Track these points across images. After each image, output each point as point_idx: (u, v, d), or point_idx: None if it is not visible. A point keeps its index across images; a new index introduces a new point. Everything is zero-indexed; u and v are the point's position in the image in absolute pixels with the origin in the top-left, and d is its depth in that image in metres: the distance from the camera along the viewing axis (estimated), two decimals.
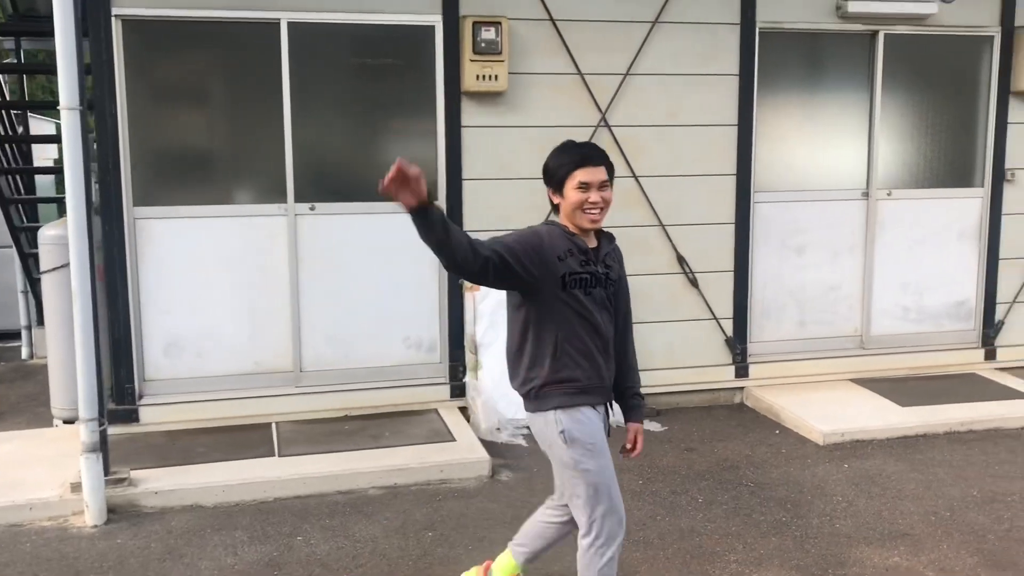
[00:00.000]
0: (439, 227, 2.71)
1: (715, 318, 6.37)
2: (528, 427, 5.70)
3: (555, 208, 3.17)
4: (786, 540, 4.26)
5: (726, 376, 6.43)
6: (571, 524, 3.32)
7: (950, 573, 3.91)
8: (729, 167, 6.26)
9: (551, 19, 5.84)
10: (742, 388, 6.45)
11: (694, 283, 6.30)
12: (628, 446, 3.35)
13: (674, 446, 5.57)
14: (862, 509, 4.60)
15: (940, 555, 4.10)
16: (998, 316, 6.89)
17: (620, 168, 6.05)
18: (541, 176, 3.12)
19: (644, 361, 6.13)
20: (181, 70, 5.61)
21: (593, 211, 3.07)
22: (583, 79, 5.95)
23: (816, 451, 5.46)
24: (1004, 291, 6.88)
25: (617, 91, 6.01)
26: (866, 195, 6.55)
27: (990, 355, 6.90)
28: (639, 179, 6.12)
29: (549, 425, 3.10)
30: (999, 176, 6.72)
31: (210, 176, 5.72)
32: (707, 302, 6.34)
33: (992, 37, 6.56)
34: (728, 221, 6.32)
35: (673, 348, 6.32)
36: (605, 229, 3.24)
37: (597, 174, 3.07)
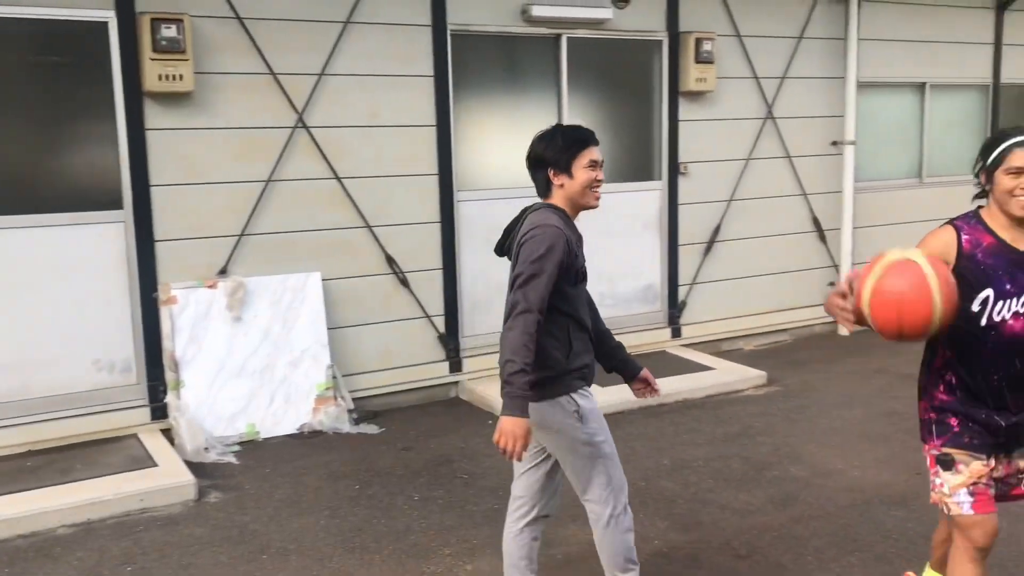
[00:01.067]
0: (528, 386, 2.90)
1: (427, 316, 6.45)
2: (239, 444, 5.53)
3: (547, 191, 3.15)
4: (499, 528, 4.34)
5: (441, 372, 6.53)
6: (537, 520, 3.37)
7: (645, 540, 4.20)
8: (431, 167, 6.36)
9: (238, 17, 5.62)
10: (457, 383, 6.58)
11: (405, 283, 6.33)
12: (655, 387, 3.57)
13: (391, 447, 5.56)
14: (568, 488, 4.82)
15: (637, 524, 4.36)
16: (680, 297, 7.54)
17: (322, 169, 5.99)
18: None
19: (359, 364, 6.18)
20: None
21: (598, 189, 3.14)
22: (276, 79, 5.78)
23: None
24: (684, 274, 7.54)
25: (313, 92, 5.90)
26: None
27: (676, 333, 7.54)
28: (342, 180, 6.04)
29: (560, 408, 3.10)
30: (674, 169, 7.35)
31: None
32: (419, 301, 6.40)
33: (661, 41, 7.15)
34: (434, 220, 6.42)
35: (388, 349, 6.31)
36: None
37: (599, 152, 3.13)
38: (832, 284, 8.24)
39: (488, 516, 4.51)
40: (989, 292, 2.81)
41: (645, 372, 3.55)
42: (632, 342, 7.27)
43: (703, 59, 7.10)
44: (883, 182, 8.57)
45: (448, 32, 6.27)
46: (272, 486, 4.93)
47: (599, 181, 3.13)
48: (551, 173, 3.11)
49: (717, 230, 7.63)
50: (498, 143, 6.75)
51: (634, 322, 7.37)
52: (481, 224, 6.63)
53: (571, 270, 3.07)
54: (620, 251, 7.25)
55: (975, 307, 2.81)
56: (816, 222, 8.15)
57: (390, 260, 6.25)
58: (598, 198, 3.17)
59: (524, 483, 3.40)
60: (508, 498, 4.66)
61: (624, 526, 3.25)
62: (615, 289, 7.28)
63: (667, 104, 7.25)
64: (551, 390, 3.09)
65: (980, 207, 2.96)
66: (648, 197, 7.35)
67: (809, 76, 7.90)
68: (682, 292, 7.57)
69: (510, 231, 3.27)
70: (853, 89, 7.94)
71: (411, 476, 5.08)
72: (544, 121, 6.78)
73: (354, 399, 6.08)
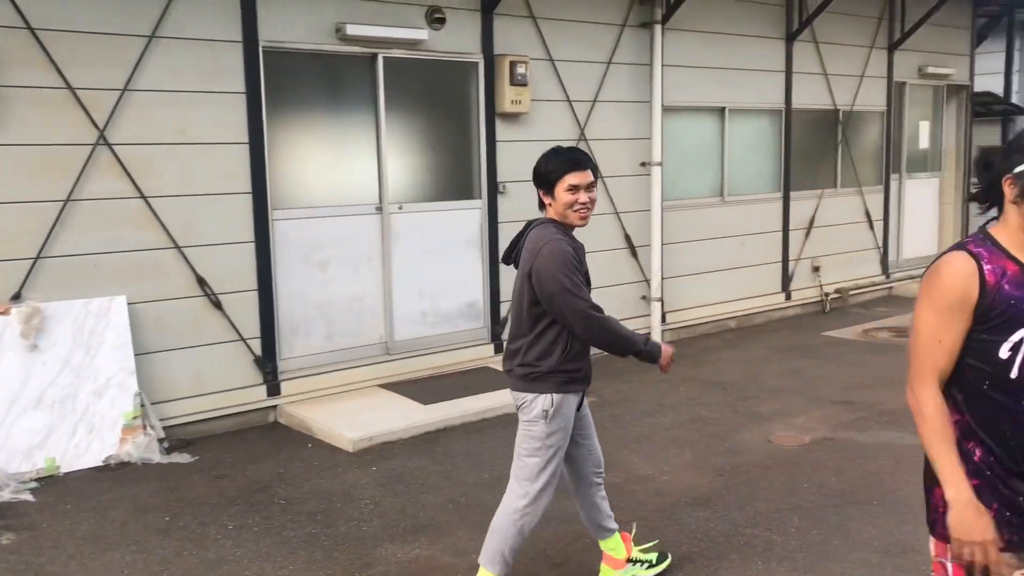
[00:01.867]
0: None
1: (242, 339, 6.27)
2: (36, 480, 5.18)
3: (542, 208, 3.53)
4: (315, 552, 4.32)
5: (258, 396, 6.36)
6: (592, 466, 3.82)
7: (463, 554, 4.25)
8: (244, 186, 6.20)
9: (29, 27, 5.31)
10: (275, 406, 6.43)
11: (218, 305, 6.14)
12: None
13: (204, 476, 5.37)
14: (388, 508, 4.83)
15: (456, 539, 4.44)
16: (503, 313, 7.68)
17: (126, 188, 5.74)
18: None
19: (169, 391, 5.94)
20: None
21: (582, 210, 3.43)
22: (75, 94, 5.49)
23: (347, 458, 5.62)
24: (505, 290, 7.67)
25: (116, 108, 5.64)
26: (380, 209, 6.90)
27: (499, 348, 7.66)
28: (148, 199, 5.80)
29: (538, 401, 3.46)
30: (494, 188, 7.50)
31: None
32: (233, 323, 6.22)
33: (477, 63, 7.29)
34: (248, 240, 6.26)
35: (200, 374, 6.09)
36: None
37: (584, 177, 3.42)
38: (644, 298, 8.63)
39: (306, 541, 4.43)
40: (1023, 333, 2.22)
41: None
42: (456, 359, 7.36)
43: (518, 81, 7.30)
44: (689, 200, 9.06)
45: (260, 48, 6.15)
46: (73, 523, 4.66)
47: (581, 204, 3.42)
48: (541, 193, 3.49)
49: None
50: (316, 161, 6.68)
51: (458, 339, 7.45)
52: (299, 243, 6.53)
53: (577, 275, 3.41)
54: (443, 269, 7.31)
55: (1004, 353, 2.22)
56: (628, 239, 8.51)
57: (201, 281, 6.05)
58: (582, 217, 3.46)
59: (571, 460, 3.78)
60: (327, 521, 4.63)
61: (522, 528, 3.57)
62: (438, 306, 7.33)
63: (484, 125, 7.39)
64: (537, 384, 3.47)
65: (988, 224, 2.35)
66: (469, 215, 7.46)
67: (618, 100, 8.26)
68: (504, 308, 7.71)
69: (516, 242, 3.61)
70: (659, 113, 8.36)
71: (225, 504, 4.92)
72: (362, 139, 6.84)
73: (165, 427, 5.83)
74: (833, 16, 10.01)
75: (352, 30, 6.44)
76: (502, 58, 7.29)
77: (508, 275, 7.68)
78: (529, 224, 3.58)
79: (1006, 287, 2.22)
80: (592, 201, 3.47)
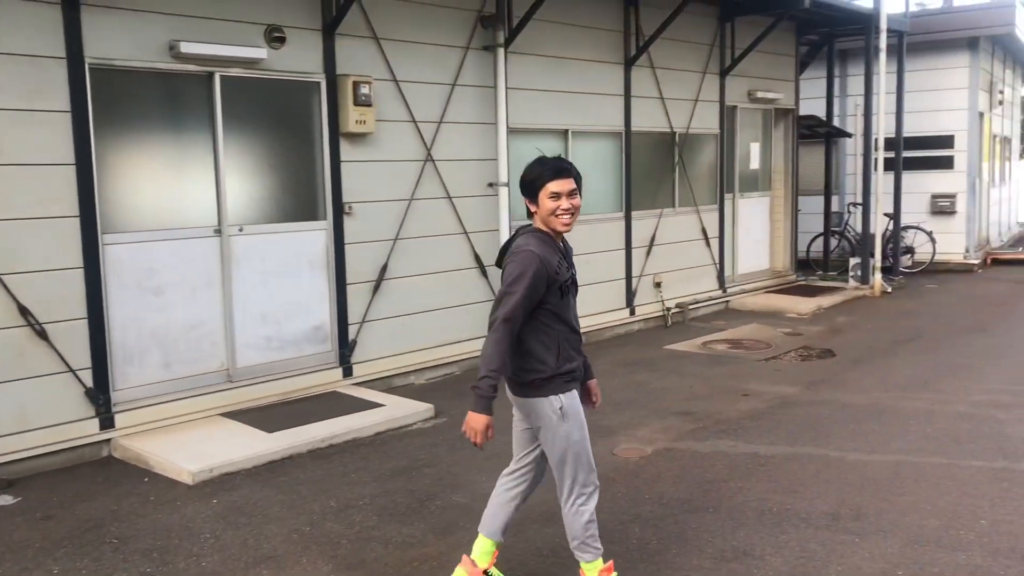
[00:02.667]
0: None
1: (71, 370, 5.94)
2: None
3: (530, 215, 3.67)
4: None
5: (89, 430, 6.03)
6: (528, 486, 3.98)
7: None
8: (71, 209, 5.89)
9: None
10: (109, 440, 6.11)
11: (43, 335, 5.79)
12: (594, 400, 4.02)
13: (28, 517, 5.03)
14: (229, 541, 4.66)
15: (300, 569, 4.34)
16: (351, 336, 7.58)
17: None
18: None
19: None
20: None
21: (564, 216, 3.58)
22: None
23: (186, 492, 5.40)
24: (354, 313, 7.60)
25: None
26: (219, 232, 6.69)
27: (347, 372, 7.56)
28: None
29: (547, 405, 3.65)
30: (339, 209, 7.41)
31: None
32: (60, 354, 5.88)
33: (319, 83, 7.20)
34: (76, 266, 5.94)
35: (24, 409, 5.73)
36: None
37: (566, 184, 3.58)
38: None
39: None
40: None
41: (591, 383, 4.02)
42: (302, 384, 7.21)
43: (361, 102, 7.25)
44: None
45: (87, 66, 5.87)
46: None
47: (563, 210, 3.58)
48: (527, 201, 3.65)
49: (384, 268, 7.78)
50: (150, 183, 6.42)
51: (304, 364, 7.30)
52: (133, 267, 6.25)
53: (554, 285, 3.59)
54: (287, 292, 7.16)
55: None
56: (478, 258, 8.58)
57: (24, 311, 5.70)
58: (565, 224, 3.61)
59: (518, 463, 4.01)
60: (164, 559, 4.44)
61: (583, 515, 3.76)
62: (283, 331, 7.16)
63: (329, 145, 7.30)
64: (542, 390, 3.65)
65: None
66: (313, 237, 7.34)
67: (464, 121, 8.35)
68: (352, 331, 7.61)
69: (505, 248, 3.75)
70: (504, 134, 8.50)
71: (51, 547, 4.63)
72: (200, 160, 6.63)
73: None
74: (668, 42, 10.46)
75: (186, 48, 6.25)
76: (345, 78, 7.23)
77: (356, 296, 7.60)
78: (518, 231, 3.75)
79: None
80: (575, 207, 3.61)
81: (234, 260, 6.78)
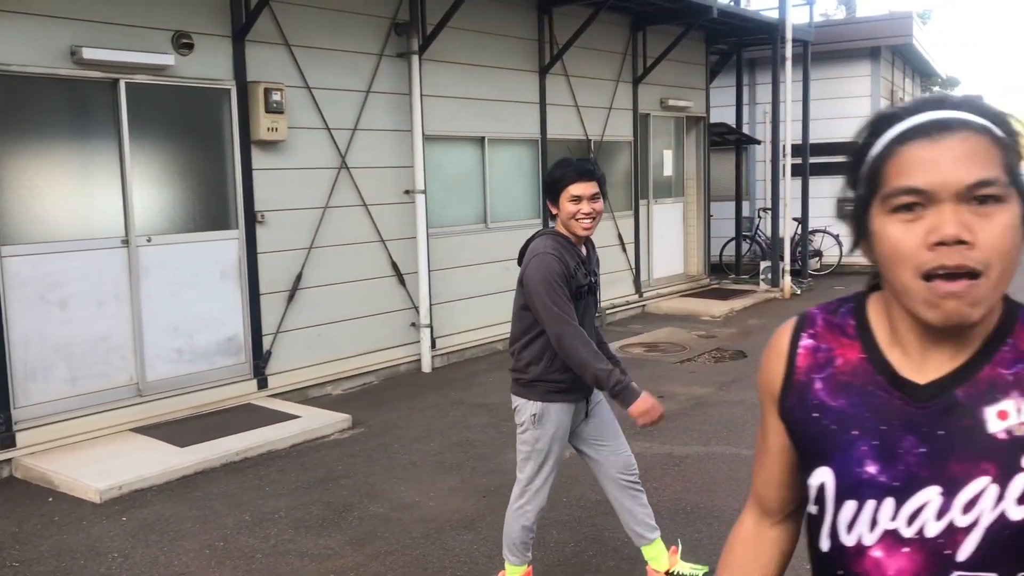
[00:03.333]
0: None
1: None
2: None
3: (552, 217, 3.58)
4: None
5: None
6: (624, 474, 3.85)
7: None
8: None
9: None
10: (10, 460, 5.88)
11: None
12: (641, 420, 3.56)
13: None
14: (138, 560, 4.54)
15: None
16: (265, 347, 7.46)
17: None
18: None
19: None
20: None
21: (585, 220, 3.47)
22: None
23: (93, 511, 5.23)
24: (268, 323, 7.48)
25: None
26: (126, 242, 6.51)
27: (262, 384, 7.43)
28: None
29: (528, 408, 3.63)
30: (251, 218, 7.29)
31: None
32: None
33: (229, 90, 7.08)
34: None
35: None
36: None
37: (588, 188, 3.46)
38: (414, 325, 8.68)
39: None
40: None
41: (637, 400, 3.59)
42: (216, 397, 7.06)
43: (273, 109, 7.16)
44: (454, 227, 9.23)
45: None
46: None
47: (584, 214, 3.46)
48: (548, 203, 3.58)
49: (299, 278, 7.68)
50: (52, 192, 6.20)
51: (217, 376, 7.15)
52: (34, 280, 6.04)
53: (568, 287, 3.49)
54: (199, 303, 7.00)
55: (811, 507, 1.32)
56: (395, 266, 8.54)
57: None
58: (585, 228, 3.49)
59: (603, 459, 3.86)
60: None
61: (524, 518, 3.72)
62: (195, 343, 7.00)
63: (240, 153, 7.17)
64: (528, 391, 3.63)
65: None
66: (225, 246, 7.20)
67: (379, 128, 8.31)
68: (267, 342, 7.49)
69: (524, 250, 3.68)
70: (420, 141, 8.48)
71: None
72: (105, 169, 6.45)
73: None
74: (582, 51, 10.60)
75: (89, 54, 6.07)
76: (256, 85, 7.13)
77: (271, 306, 7.48)
78: (536, 234, 3.69)
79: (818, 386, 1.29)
80: (596, 212, 3.50)
81: (143, 271, 6.60)
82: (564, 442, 3.73)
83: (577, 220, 3.50)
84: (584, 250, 3.64)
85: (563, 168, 3.53)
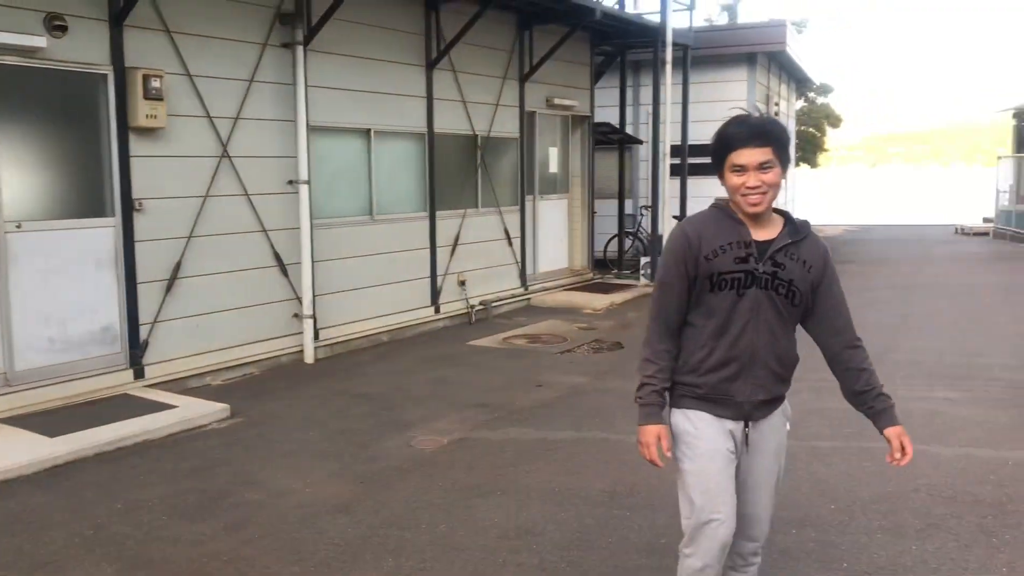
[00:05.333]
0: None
1: None
2: None
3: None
4: None
5: None
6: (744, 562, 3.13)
7: None
8: None
9: None
10: None
11: None
12: (897, 455, 2.92)
13: None
14: (2, 550, 4.46)
15: (83, 572, 4.23)
16: (143, 336, 7.36)
17: None
18: None
19: None
20: None
21: (752, 196, 2.79)
22: None
23: None
24: (146, 313, 7.38)
25: None
26: None
27: (139, 374, 7.33)
28: None
29: (672, 419, 3.01)
30: (128, 206, 7.17)
31: None
32: None
33: (106, 75, 6.95)
34: None
35: None
36: (798, 218, 2.94)
37: (754, 155, 2.76)
38: (297, 316, 8.68)
39: None
40: None
41: (890, 431, 2.93)
42: (90, 387, 6.94)
43: (152, 96, 7.06)
44: (339, 219, 9.26)
45: None
46: None
47: (749, 188, 2.78)
48: (718, 173, 2.89)
49: (178, 267, 7.60)
50: None
51: (91, 366, 7.01)
52: None
53: (699, 273, 2.86)
54: (71, 291, 6.86)
55: None
56: (278, 257, 8.52)
57: None
58: (753, 204, 2.80)
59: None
60: None
61: (686, 566, 2.96)
62: (66, 332, 6.86)
63: (117, 139, 7.05)
64: (672, 399, 3.07)
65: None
66: (100, 234, 7.06)
67: (263, 118, 8.27)
68: (144, 331, 7.38)
69: None
70: (304, 132, 8.48)
71: None
72: None
73: None
74: (469, 47, 10.76)
75: None
76: (134, 71, 7.02)
77: (149, 296, 7.38)
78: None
79: None
80: (768, 184, 2.78)
81: (11, 258, 6.43)
82: (718, 455, 2.95)
83: (743, 196, 2.81)
84: (772, 232, 2.90)
85: (727, 130, 2.83)
